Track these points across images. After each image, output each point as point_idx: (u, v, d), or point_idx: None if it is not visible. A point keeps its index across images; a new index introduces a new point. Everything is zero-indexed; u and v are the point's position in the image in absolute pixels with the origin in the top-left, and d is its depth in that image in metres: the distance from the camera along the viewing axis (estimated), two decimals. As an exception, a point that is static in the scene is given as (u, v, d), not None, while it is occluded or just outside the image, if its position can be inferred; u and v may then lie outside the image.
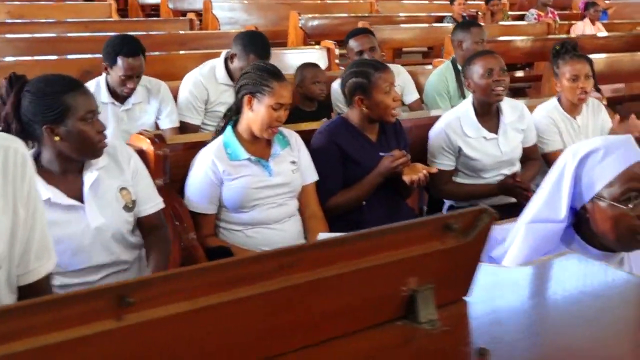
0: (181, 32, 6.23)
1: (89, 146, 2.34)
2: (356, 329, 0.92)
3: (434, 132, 3.52)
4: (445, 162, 3.49)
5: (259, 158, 2.94)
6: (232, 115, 2.98)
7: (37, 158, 2.35)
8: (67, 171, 2.39)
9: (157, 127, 3.86)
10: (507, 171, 3.54)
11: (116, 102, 3.72)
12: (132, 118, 3.76)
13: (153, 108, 3.85)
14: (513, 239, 1.90)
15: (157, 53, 4.85)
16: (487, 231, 0.98)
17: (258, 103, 2.88)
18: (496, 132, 3.52)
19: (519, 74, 7.47)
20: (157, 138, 3.00)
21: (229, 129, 2.96)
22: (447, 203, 3.70)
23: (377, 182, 3.17)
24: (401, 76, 4.55)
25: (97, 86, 3.69)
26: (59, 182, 2.38)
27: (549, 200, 1.80)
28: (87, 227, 2.40)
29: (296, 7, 7.90)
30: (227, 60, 3.97)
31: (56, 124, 2.26)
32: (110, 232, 2.45)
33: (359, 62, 3.36)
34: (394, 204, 3.31)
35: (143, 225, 2.60)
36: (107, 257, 2.47)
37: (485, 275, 1.11)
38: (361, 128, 3.24)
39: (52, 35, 5.63)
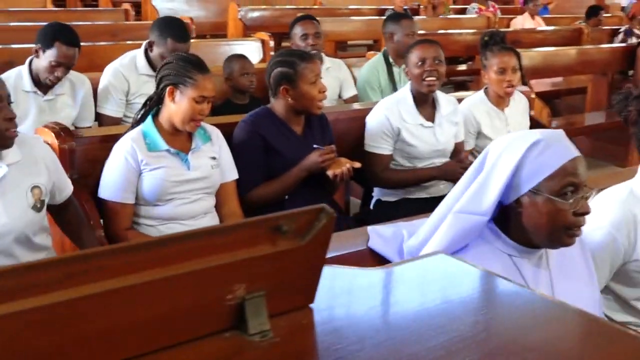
0: (114, 22, 6.06)
1: None
2: (175, 343, 0.83)
3: (374, 117, 3.47)
4: (385, 147, 3.45)
5: (178, 151, 2.85)
6: (153, 105, 2.88)
7: None
8: None
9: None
10: (439, 163, 3.51)
11: (39, 92, 3.60)
12: (53, 110, 3.64)
13: (76, 103, 3.73)
14: (433, 228, 1.85)
15: (87, 44, 4.68)
16: (326, 233, 0.89)
17: (180, 95, 2.78)
18: (433, 122, 3.49)
19: (462, 67, 7.48)
20: (63, 131, 2.88)
21: (149, 119, 2.86)
22: (375, 197, 3.65)
23: (302, 176, 3.10)
24: (342, 71, 4.51)
25: (18, 74, 3.56)
26: None
27: (478, 192, 1.75)
28: None
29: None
30: (147, 49, 3.84)
31: None
32: (13, 234, 2.33)
33: (285, 52, 3.28)
34: (318, 200, 3.21)
35: (56, 207, 2.60)
36: (5, 261, 2.33)
37: (336, 280, 1.03)
38: (286, 119, 3.17)
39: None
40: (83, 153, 2.92)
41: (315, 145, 3.10)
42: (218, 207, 3.02)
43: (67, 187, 2.63)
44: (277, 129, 3.14)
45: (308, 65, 3.09)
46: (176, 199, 2.86)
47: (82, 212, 2.72)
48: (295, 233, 0.86)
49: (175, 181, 2.83)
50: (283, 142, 3.13)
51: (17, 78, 3.53)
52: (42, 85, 3.58)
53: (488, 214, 1.75)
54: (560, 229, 1.72)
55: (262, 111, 3.22)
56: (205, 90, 2.79)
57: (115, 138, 2.89)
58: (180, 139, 2.88)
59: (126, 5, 6.55)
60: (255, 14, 6.95)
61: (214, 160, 2.94)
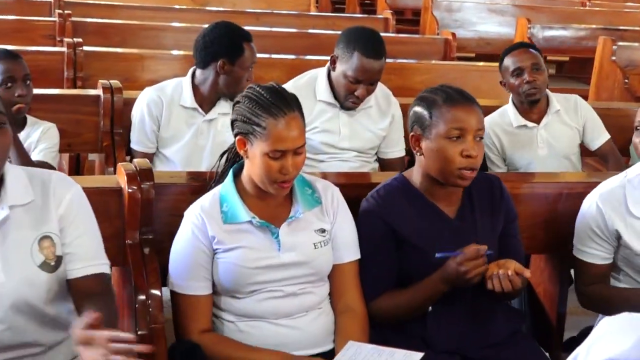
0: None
1: None
2: None
3: (584, 205, 2.36)
4: (595, 253, 2.34)
5: (267, 222, 2.00)
6: (232, 160, 2.09)
7: None
8: None
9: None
10: None
11: (200, 110, 2.96)
12: (212, 132, 2.98)
13: None
14: None
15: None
16: None
17: (251, 148, 1.96)
18: None
19: None
20: (142, 174, 1.98)
21: (229, 177, 2.04)
22: (601, 315, 2.38)
23: (441, 290, 2.05)
24: (578, 111, 3.36)
25: (177, 85, 2.98)
26: None
27: None
28: None
29: (539, 11, 6.48)
30: (330, 68, 2.99)
31: None
32: (11, 299, 1.71)
33: (436, 87, 2.12)
34: (480, 311, 2.11)
35: (76, 290, 1.81)
36: (9, 335, 1.71)
37: None
38: (425, 191, 2.13)
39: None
40: (167, 205, 2.12)
41: (438, 255, 1.97)
42: (333, 297, 2.12)
43: (88, 259, 1.80)
44: (414, 210, 2.11)
45: (452, 110, 2.02)
46: (261, 292, 2.00)
47: (116, 311, 1.82)
48: None
49: (258, 267, 1.98)
50: (422, 229, 2.09)
51: (175, 90, 2.96)
52: (205, 102, 2.96)
53: None
54: None
55: (395, 183, 2.16)
56: (280, 142, 1.90)
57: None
58: (271, 204, 2.03)
59: (387, 14, 5.53)
60: (550, 32, 5.57)
61: (323, 234, 2.05)
